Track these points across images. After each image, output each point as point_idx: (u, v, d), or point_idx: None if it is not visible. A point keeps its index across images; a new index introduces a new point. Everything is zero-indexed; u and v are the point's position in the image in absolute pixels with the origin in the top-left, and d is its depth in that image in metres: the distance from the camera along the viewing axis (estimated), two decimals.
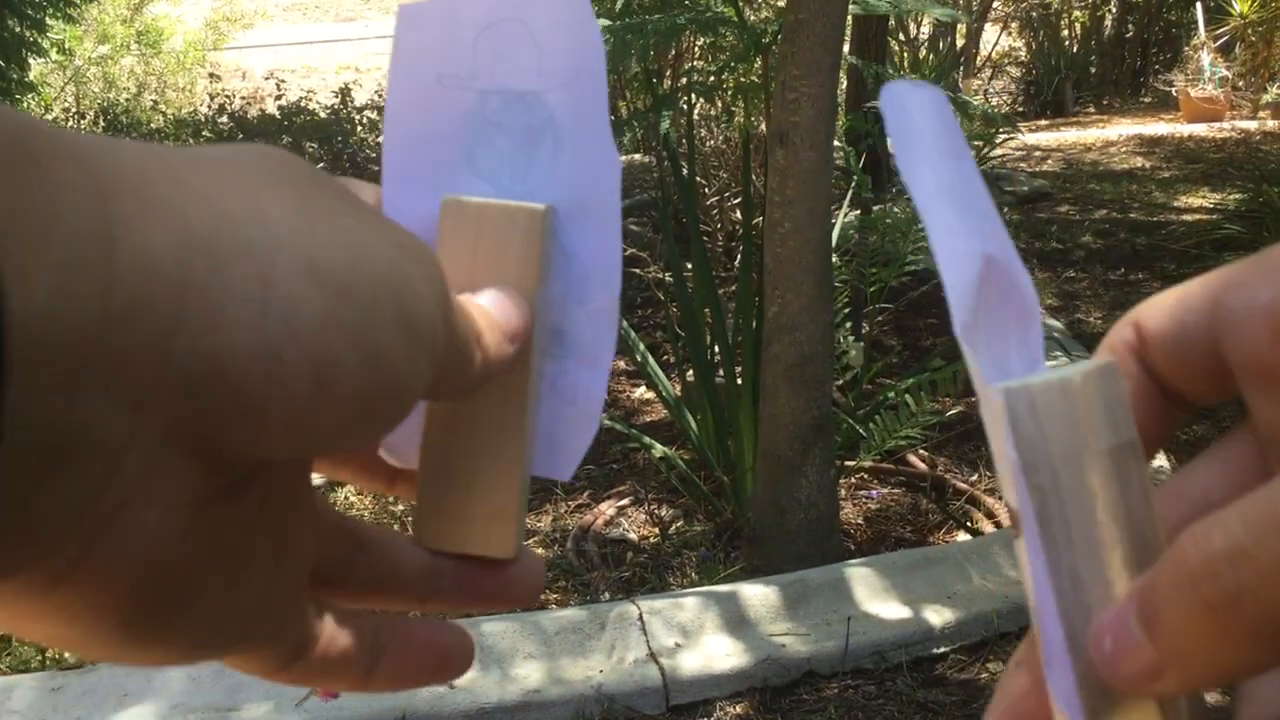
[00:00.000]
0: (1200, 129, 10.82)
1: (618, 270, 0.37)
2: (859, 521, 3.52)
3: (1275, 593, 0.22)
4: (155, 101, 12.15)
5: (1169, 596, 0.23)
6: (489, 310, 0.33)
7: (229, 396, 0.24)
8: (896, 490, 3.72)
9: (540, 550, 3.39)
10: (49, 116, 11.36)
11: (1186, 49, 13.93)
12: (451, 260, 0.35)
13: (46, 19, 9.78)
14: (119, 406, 0.23)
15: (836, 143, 3.50)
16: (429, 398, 0.33)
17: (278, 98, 10.72)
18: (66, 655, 2.69)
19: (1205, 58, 12.41)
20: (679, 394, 3.85)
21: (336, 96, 10.66)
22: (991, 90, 13.22)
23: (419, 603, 0.36)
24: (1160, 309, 0.28)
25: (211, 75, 12.27)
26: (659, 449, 3.64)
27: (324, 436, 0.26)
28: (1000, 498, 3.60)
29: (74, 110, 11.47)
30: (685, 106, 5.09)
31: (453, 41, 0.36)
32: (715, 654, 2.63)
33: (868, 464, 3.71)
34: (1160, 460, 3.15)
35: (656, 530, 3.47)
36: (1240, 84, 12.05)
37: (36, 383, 0.21)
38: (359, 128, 10.38)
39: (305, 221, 0.26)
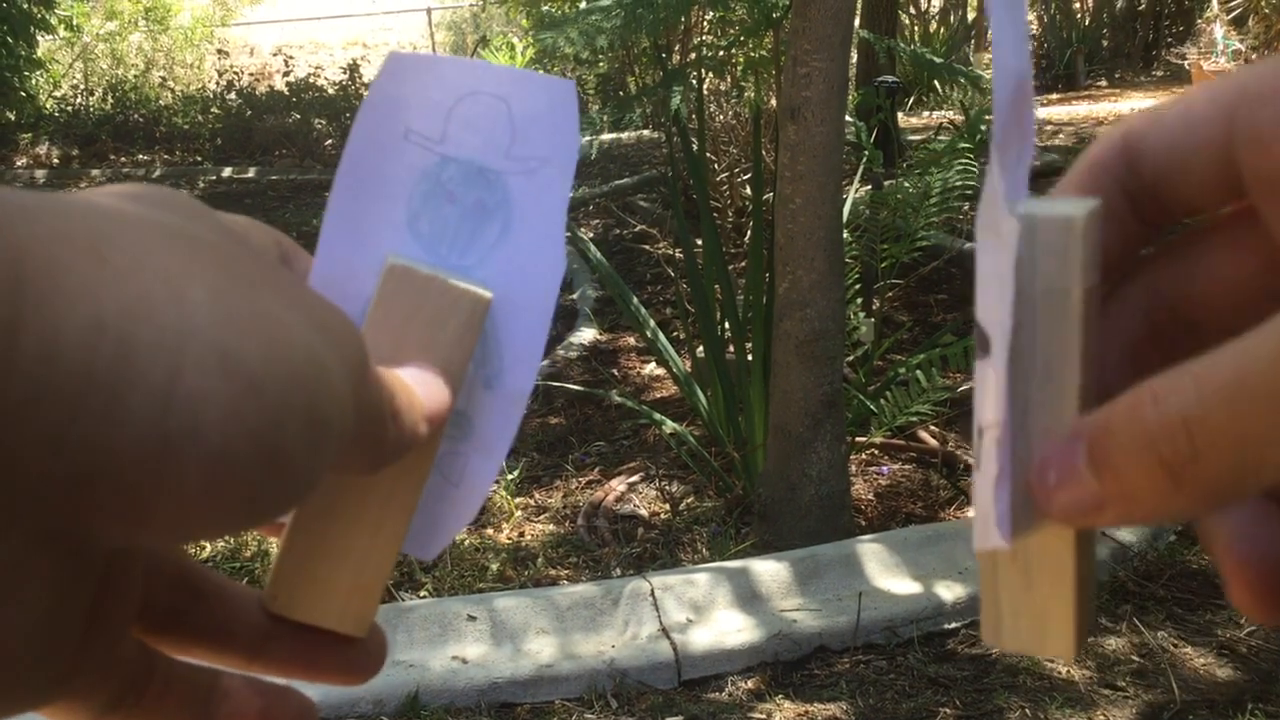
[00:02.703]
0: None
1: (536, 363, 0.36)
2: (870, 497, 3.52)
3: (1227, 458, 0.23)
4: (163, 78, 12.14)
5: (1125, 448, 0.25)
6: (410, 387, 0.32)
7: (115, 493, 0.22)
8: (907, 466, 3.72)
9: (551, 526, 3.41)
10: (58, 93, 11.36)
11: (1199, 22, 13.84)
12: (383, 325, 0.34)
13: None
14: None
15: (847, 118, 3.49)
16: (344, 471, 0.31)
17: (286, 74, 10.71)
18: None
19: (1218, 30, 12.32)
20: (689, 370, 3.85)
21: (344, 72, 10.64)
22: None
23: (245, 663, 0.34)
24: (1162, 120, 0.28)
25: (219, 51, 12.25)
26: (670, 425, 3.65)
27: (205, 530, 0.25)
28: None
29: (82, 87, 11.46)
30: (695, 82, 5.07)
31: (430, 100, 0.35)
32: (727, 629, 2.64)
33: (878, 440, 3.71)
34: None
35: (667, 506, 3.48)
36: (1253, 57, 11.96)
37: None
38: None
39: (225, 304, 0.24)
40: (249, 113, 10.43)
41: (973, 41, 12.66)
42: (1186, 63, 12.67)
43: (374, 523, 0.34)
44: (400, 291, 0.34)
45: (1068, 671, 2.55)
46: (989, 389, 0.28)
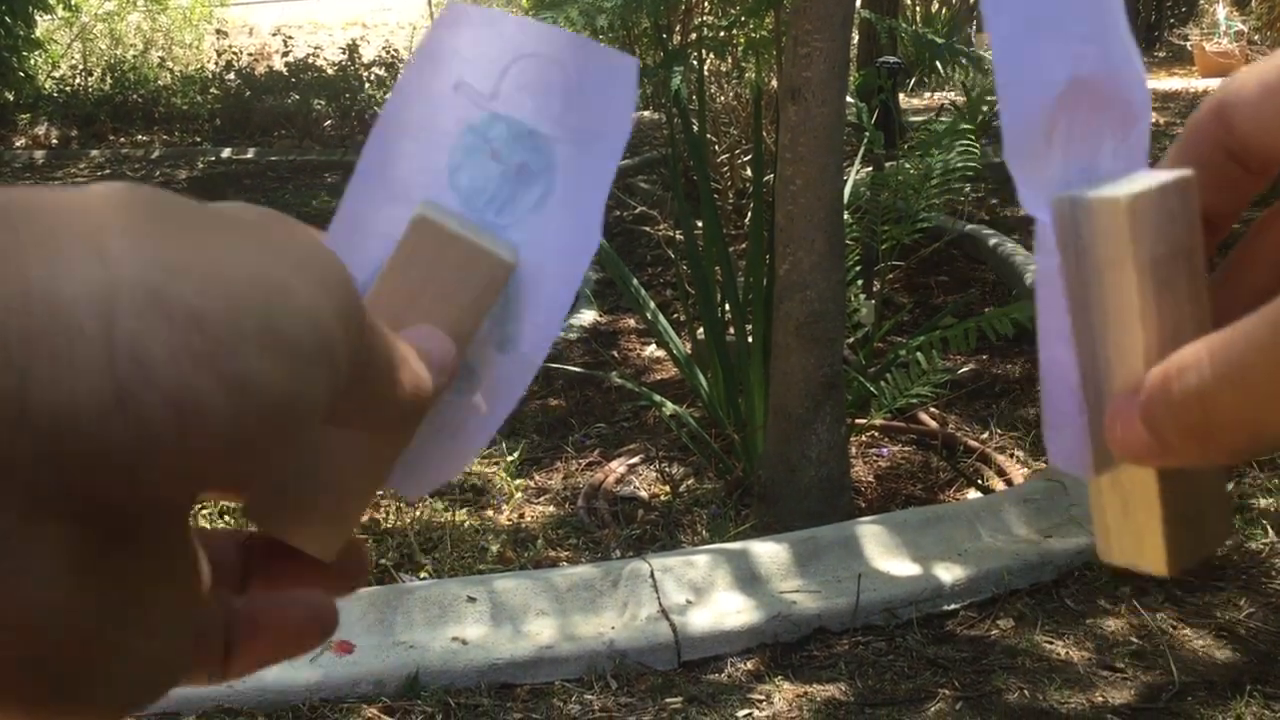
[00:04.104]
0: (1215, 84, 10.69)
1: (553, 334, 0.36)
2: (870, 479, 3.52)
3: (1238, 428, 0.27)
4: (162, 59, 12.09)
5: (1161, 413, 0.29)
6: (422, 350, 0.32)
7: (89, 452, 0.22)
8: (907, 448, 3.72)
9: (551, 508, 3.41)
10: (57, 74, 11.32)
11: (1202, 2, 13.79)
12: (400, 278, 0.34)
13: None
14: None
15: (848, 98, 3.47)
16: (347, 424, 0.31)
17: (285, 54, 10.67)
18: None
19: (1221, 11, 12.28)
20: (689, 352, 3.85)
21: (344, 52, 10.60)
22: None
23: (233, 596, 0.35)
24: (1245, 85, 0.32)
25: (218, 31, 12.20)
26: (670, 407, 3.64)
27: (204, 476, 0.24)
28: (1011, 455, 3.60)
29: (81, 67, 11.42)
30: (695, 62, 5.05)
31: (486, 55, 0.35)
32: (726, 611, 2.65)
33: (879, 422, 3.71)
34: None
35: (667, 488, 3.48)
36: (1256, 38, 11.92)
37: None
38: (367, 84, 10.32)
39: (150, 248, 0.23)
40: (248, 93, 10.38)
41: (975, 22, 12.61)
42: (1189, 44, 12.63)
43: (360, 463, 0.34)
44: (422, 244, 0.34)
45: (1066, 653, 2.56)
46: (1054, 343, 0.33)
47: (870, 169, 4.37)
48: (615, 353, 4.70)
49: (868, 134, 4.23)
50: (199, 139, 10.28)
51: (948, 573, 2.77)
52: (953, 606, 2.73)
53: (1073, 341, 0.32)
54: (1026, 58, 0.32)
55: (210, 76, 11.00)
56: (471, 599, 2.63)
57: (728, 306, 3.71)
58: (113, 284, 0.22)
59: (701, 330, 3.74)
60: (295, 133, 9.90)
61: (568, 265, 0.36)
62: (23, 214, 0.23)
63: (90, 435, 0.22)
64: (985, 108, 4.19)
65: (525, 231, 0.35)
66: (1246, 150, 0.32)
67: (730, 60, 6.86)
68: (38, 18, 10.39)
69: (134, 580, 0.25)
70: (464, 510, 3.34)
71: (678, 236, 5.61)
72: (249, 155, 9.54)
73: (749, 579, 2.74)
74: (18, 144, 10.15)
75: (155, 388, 0.22)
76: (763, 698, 2.44)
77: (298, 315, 0.25)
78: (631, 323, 5.03)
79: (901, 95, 6.76)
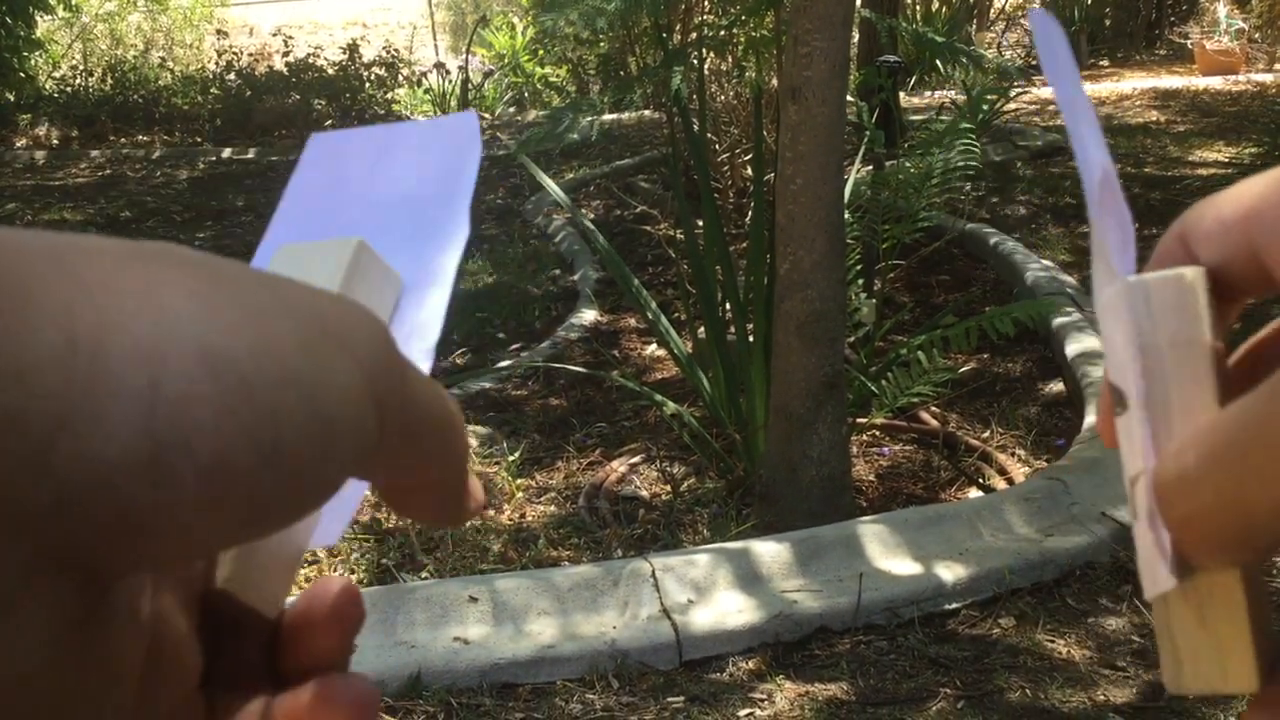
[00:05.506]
0: (1216, 82, 10.72)
1: (437, 328, 0.36)
2: (871, 478, 3.53)
3: (1215, 519, 0.25)
4: (163, 59, 12.10)
5: (1158, 505, 0.27)
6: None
7: (112, 512, 0.21)
8: (908, 447, 3.72)
9: (552, 508, 3.41)
10: (57, 74, 11.33)
11: (1202, 1, 13.78)
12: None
13: None
14: None
15: (849, 97, 3.47)
16: (384, 477, 0.29)
17: (285, 54, 10.67)
18: None
19: (1221, 10, 12.28)
20: (691, 351, 3.85)
21: (344, 52, 10.60)
22: (1005, 43, 13.09)
23: None
24: (1204, 219, 0.31)
25: (219, 31, 12.20)
26: (671, 406, 3.64)
27: (208, 540, 0.23)
28: (1012, 454, 3.60)
29: (82, 67, 11.43)
30: (696, 62, 5.05)
31: (346, 172, 0.39)
32: (728, 610, 2.65)
33: (879, 421, 3.71)
34: None
35: (668, 487, 3.48)
36: (1256, 36, 11.92)
37: None
38: (367, 84, 10.33)
39: (205, 307, 0.23)
40: (248, 93, 10.39)
41: (975, 21, 12.61)
42: (1189, 42, 12.63)
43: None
44: (288, 270, 0.34)
45: (1068, 652, 2.56)
46: (1134, 441, 0.30)
47: (871, 168, 4.37)
48: (616, 352, 4.70)
49: (868, 133, 4.23)
50: (199, 139, 10.29)
51: (949, 572, 2.77)
52: (954, 605, 2.74)
53: (1148, 432, 0.29)
54: (1082, 123, 0.32)
55: (211, 77, 11.01)
56: (473, 599, 2.63)
57: (728, 306, 3.71)
58: (163, 340, 0.22)
59: (702, 329, 3.74)
60: (296, 133, 9.90)
61: (442, 265, 0.37)
62: (82, 257, 0.22)
63: (114, 493, 0.21)
64: (985, 106, 4.19)
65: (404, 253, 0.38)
66: (1213, 277, 0.31)
67: (731, 59, 6.86)
68: (38, 18, 10.40)
69: (105, 658, 0.24)
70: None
71: (678, 236, 5.61)
72: (250, 155, 9.55)
73: (750, 578, 2.74)
74: (18, 144, 10.16)
75: (194, 451, 0.22)
76: (764, 697, 2.45)
77: (336, 391, 0.24)
78: (632, 322, 5.03)
79: (902, 94, 6.75)
